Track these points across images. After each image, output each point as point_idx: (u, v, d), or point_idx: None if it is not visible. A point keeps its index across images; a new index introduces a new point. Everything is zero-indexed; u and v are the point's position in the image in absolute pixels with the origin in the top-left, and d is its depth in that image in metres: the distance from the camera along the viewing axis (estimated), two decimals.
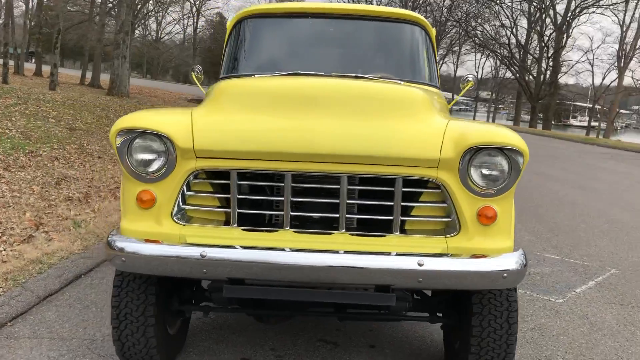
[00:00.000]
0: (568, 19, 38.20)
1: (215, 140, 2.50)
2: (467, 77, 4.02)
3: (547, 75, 39.07)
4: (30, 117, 11.28)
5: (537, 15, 39.02)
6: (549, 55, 39.26)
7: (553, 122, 46.94)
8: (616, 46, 43.80)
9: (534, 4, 38.51)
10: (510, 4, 38.42)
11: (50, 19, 28.90)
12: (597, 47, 71.76)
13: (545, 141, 26.87)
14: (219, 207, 2.64)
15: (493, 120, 51.12)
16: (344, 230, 2.58)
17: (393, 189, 2.54)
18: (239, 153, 2.49)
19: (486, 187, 2.52)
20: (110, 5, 30.34)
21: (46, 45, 35.36)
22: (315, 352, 3.39)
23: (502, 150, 2.48)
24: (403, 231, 2.62)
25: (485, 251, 2.55)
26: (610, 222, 7.84)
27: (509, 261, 2.50)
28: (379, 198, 2.61)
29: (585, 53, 46.53)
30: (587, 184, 11.68)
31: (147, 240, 2.54)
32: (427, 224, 2.65)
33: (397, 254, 2.46)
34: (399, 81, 3.49)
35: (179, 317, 3.15)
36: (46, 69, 29.69)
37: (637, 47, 42.26)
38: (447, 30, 41.77)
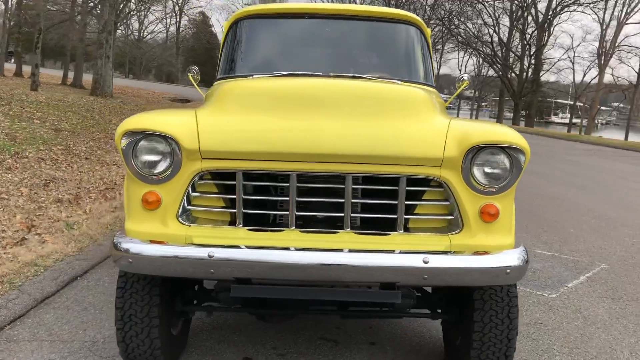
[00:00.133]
0: (549, 17, 38.66)
1: (221, 141, 2.51)
2: (462, 77, 4.07)
3: (530, 73, 39.51)
4: (14, 118, 11.14)
5: (519, 13, 39.40)
6: (531, 53, 39.70)
7: (535, 119, 47.42)
8: (596, 44, 44.43)
9: (516, 2, 38.88)
10: (492, 2, 38.78)
11: (31, 18, 28.50)
12: (578, 45, 72.45)
13: (529, 138, 26.88)
14: (224, 207, 2.66)
15: (476, 118, 51.51)
16: (348, 229, 2.61)
17: (397, 187, 2.57)
18: (245, 154, 2.50)
19: (488, 185, 2.57)
20: (92, 4, 30.01)
21: (26, 44, 34.87)
22: (316, 350, 3.41)
23: (504, 149, 2.53)
24: (406, 229, 2.65)
25: (488, 248, 2.60)
26: (598, 218, 7.97)
27: (511, 257, 2.55)
28: (383, 197, 2.64)
29: (567, 51, 46.93)
30: (572, 180, 11.84)
31: (152, 241, 2.54)
32: (430, 222, 2.69)
33: (402, 252, 2.50)
34: (396, 81, 3.52)
35: (182, 317, 3.16)
36: (27, 69, 29.25)
37: (616, 44, 42.92)
38: (430, 28, 41.80)
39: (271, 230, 2.64)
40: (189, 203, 2.61)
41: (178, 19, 71.84)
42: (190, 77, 4.07)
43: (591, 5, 39.95)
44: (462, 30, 40.70)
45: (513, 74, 40.45)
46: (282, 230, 2.62)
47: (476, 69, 54.30)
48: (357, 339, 3.60)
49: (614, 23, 43.16)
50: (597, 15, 43.39)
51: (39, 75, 20.40)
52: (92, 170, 8.71)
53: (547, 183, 11.01)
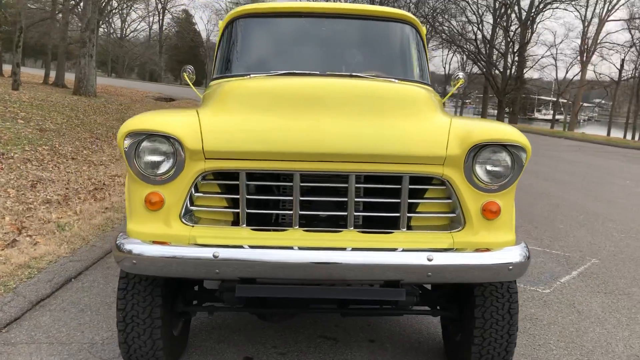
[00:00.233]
0: (532, 14, 38.99)
1: (224, 141, 2.50)
2: (457, 75, 4.09)
3: (513, 70, 39.83)
4: None
5: (502, 10, 39.68)
6: (515, 50, 39.99)
7: (519, 116, 47.84)
8: (579, 41, 45.00)
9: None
10: (475, 0, 39.00)
11: (11, 17, 28.06)
12: (561, 42, 73.59)
13: None
14: (226, 207, 2.65)
15: (460, 115, 51.77)
16: (352, 228, 2.62)
17: (399, 186, 2.59)
18: (249, 154, 2.50)
19: (490, 183, 2.59)
20: (73, 2, 29.64)
21: (6, 43, 34.32)
22: (317, 348, 3.42)
23: (506, 147, 2.55)
24: (409, 227, 2.67)
25: (490, 245, 2.62)
26: (586, 214, 8.07)
27: (514, 254, 2.57)
28: (386, 195, 2.65)
29: (549, 48, 47.50)
30: (558, 176, 11.98)
31: (155, 242, 2.53)
32: (432, 220, 2.71)
33: (406, 250, 2.52)
34: (392, 79, 3.53)
35: (182, 318, 3.15)
36: (7, 68, 28.70)
37: (598, 41, 43.44)
38: None
39: (274, 230, 2.64)
40: (192, 203, 2.60)
41: (161, 17, 71.30)
42: (185, 76, 4.05)
43: (573, 2, 40.38)
44: (446, 28, 40.92)
45: (497, 71, 40.74)
46: (286, 230, 2.62)
47: (460, 67, 54.66)
48: (356, 336, 3.61)
49: (595, 20, 43.78)
50: (579, 12, 43.78)
51: (20, 74, 20.10)
52: (79, 170, 8.62)
53: (535, 179, 11.13)
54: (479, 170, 2.57)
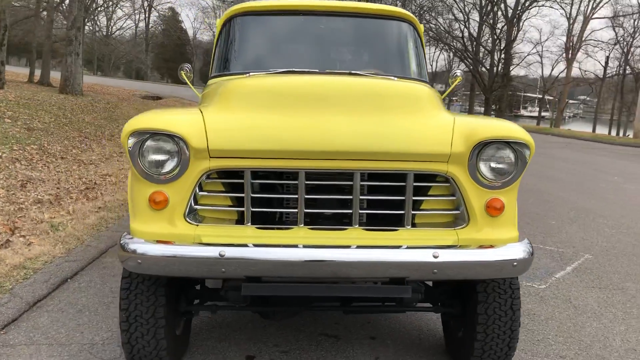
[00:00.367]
0: (518, 12, 39.19)
1: (229, 139, 2.49)
2: (455, 73, 4.11)
3: (500, 68, 40.02)
4: None
5: (489, 8, 39.86)
6: (501, 47, 40.19)
7: (505, 113, 48.13)
8: (564, 38, 45.38)
9: None
10: None
11: None
12: (546, 40, 74.33)
13: None
14: (231, 206, 2.64)
15: None
16: (357, 226, 2.62)
17: (404, 184, 2.59)
18: (254, 152, 2.49)
19: (494, 180, 2.61)
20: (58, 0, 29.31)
21: None
22: (318, 346, 3.42)
23: (510, 144, 2.57)
24: (413, 225, 2.68)
25: (493, 242, 2.63)
26: (576, 210, 8.15)
27: (518, 250, 2.59)
28: (390, 193, 2.66)
29: (535, 45, 48.21)
30: (548, 172, 12.07)
31: (159, 242, 2.51)
32: (436, 217, 2.72)
33: (411, 247, 2.52)
34: (391, 77, 3.54)
35: (184, 317, 3.13)
36: None
37: (583, 39, 43.83)
38: None
39: (279, 228, 2.63)
40: (196, 202, 2.59)
41: (147, 15, 70.69)
42: (183, 74, 4.02)
43: (559, 0, 40.69)
44: (433, 26, 40.99)
45: (484, 69, 40.92)
46: (291, 228, 2.61)
47: (447, 64, 54.87)
48: (357, 334, 3.62)
49: (580, 18, 44.14)
50: (564, 10, 44.12)
51: (5, 72, 19.85)
52: (69, 170, 8.54)
53: (525, 176, 11.17)
54: (483, 167, 2.59)
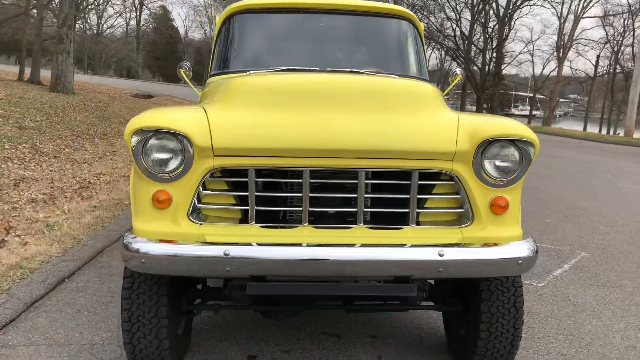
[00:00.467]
0: (510, 11, 39.33)
1: (234, 138, 2.47)
2: (455, 71, 4.10)
3: (491, 66, 40.15)
4: None
5: (480, 7, 39.97)
6: (493, 46, 40.33)
7: (497, 112, 48.31)
8: (555, 37, 45.59)
9: None
10: None
11: None
12: (538, 39, 74.49)
13: None
14: (235, 205, 2.62)
15: None
16: (361, 224, 2.61)
17: (409, 182, 2.58)
18: (258, 150, 2.47)
19: (499, 178, 2.60)
20: None
21: None
22: (320, 345, 3.41)
23: (514, 142, 2.57)
24: (417, 223, 2.67)
25: (498, 240, 2.63)
26: (571, 208, 8.18)
27: (522, 248, 2.60)
28: (394, 191, 2.65)
29: (527, 44, 48.40)
30: (541, 171, 12.11)
31: (162, 241, 2.49)
32: (441, 215, 2.71)
33: (416, 246, 2.52)
34: (391, 75, 3.53)
35: (186, 316, 3.11)
36: None
37: (574, 38, 44.08)
38: None
39: (283, 227, 2.62)
40: (200, 201, 2.57)
41: (138, 13, 70.27)
42: (182, 72, 3.99)
43: None
44: (425, 25, 41.07)
45: (475, 67, 41.04)
46: (295, 227, 2.60)
47: (439, 63, 55.00)
48: (358, 332, 3.61)
49: (571, 17, 44.38)
50: (555, 9, 44.37)
51: None
52: (62, 169, 8.48)
53: None
54: (487, 165, 2.58)
